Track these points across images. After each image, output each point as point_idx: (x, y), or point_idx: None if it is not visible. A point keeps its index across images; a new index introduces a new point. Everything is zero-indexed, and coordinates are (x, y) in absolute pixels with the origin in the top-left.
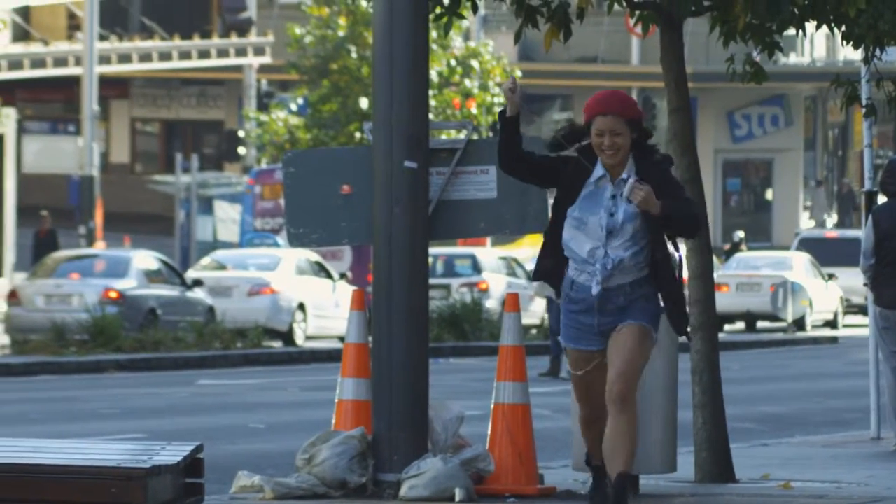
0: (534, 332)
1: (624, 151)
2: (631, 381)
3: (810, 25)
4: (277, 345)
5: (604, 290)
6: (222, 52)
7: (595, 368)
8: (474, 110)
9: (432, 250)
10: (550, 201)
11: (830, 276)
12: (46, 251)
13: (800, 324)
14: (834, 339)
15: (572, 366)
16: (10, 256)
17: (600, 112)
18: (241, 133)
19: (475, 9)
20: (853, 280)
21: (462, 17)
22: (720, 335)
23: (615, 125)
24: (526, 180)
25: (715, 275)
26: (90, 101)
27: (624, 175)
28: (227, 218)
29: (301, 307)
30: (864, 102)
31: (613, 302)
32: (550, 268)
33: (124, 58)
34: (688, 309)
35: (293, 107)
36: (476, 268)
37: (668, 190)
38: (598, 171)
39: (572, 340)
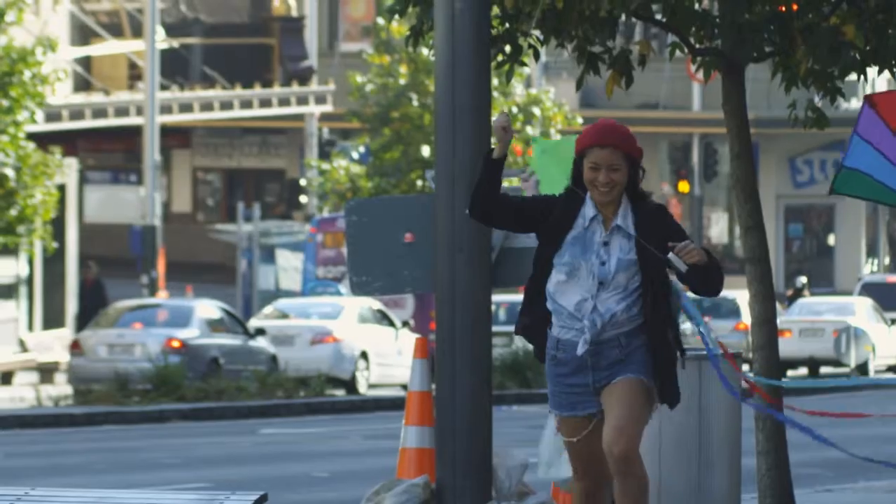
0: None
1: (619, 189)
2: (633, 437)
3: (872, 70)
4: (340, 393)
5: (595, 345)
6: (283, 101)
7: (593, 433)
8: None
9: (495, 297)
10: None
11: (893, 321)
12: (93, 301)
13: (863, 369)
14: None
15: (567, 434)
16: (72, 306)
17: (598, 143)
18: (302, 182)
19: (537, 56)
20: None
21: (524, 64)
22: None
23: (613, 159)
24: (501, 227)
25: (778, 320)
26: (151, 150)
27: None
28: (289, 266)
29: (364, 355)
30: None
31: (607, 356)
32: (529, 325)
33: (185, 107)
34: (751, 355)
35: (354, 155)
36: None
37: (681, 239)
38: (589, 210)
39: (565, 407)
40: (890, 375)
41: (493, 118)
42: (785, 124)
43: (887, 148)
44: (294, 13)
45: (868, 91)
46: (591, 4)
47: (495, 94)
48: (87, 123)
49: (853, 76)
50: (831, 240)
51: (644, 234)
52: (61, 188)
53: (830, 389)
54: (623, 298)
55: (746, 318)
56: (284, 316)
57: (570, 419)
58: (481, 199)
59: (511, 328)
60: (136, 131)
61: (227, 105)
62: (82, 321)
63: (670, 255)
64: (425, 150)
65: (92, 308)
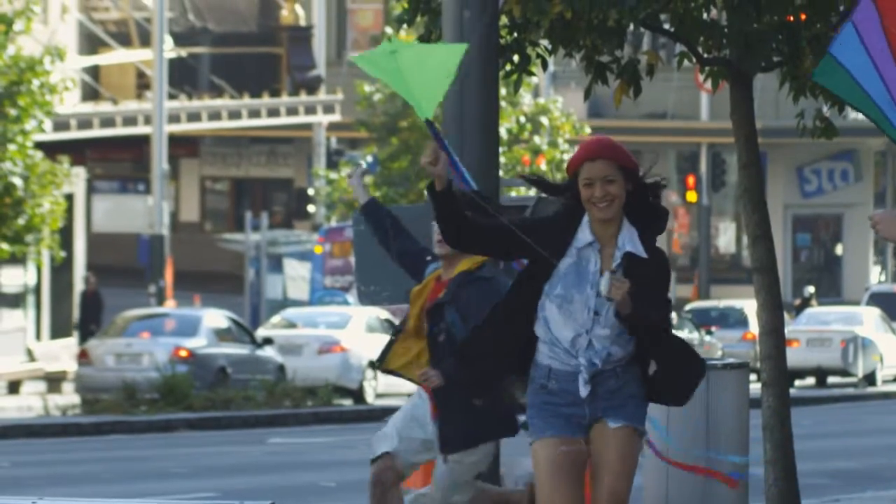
0: None
1: (619, 203)
2: (625, 498)
3: None
4: (348, 403)
5: (591, 379)
6: (291, 111)
7: (577, 452)
8: (544, 167)
9: None
10: None
11: None
12: (91, 312)
13: (870, 379)
14: None
15: (545, 452)
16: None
17: (588, 157)
18: (310, 191)
19: (545, 66)
20: None
21: (532, 73)
22: (791, 391)
23: (607, 170)
24: (484, 253)
25: (785, 330)
26: (160, 159)
27: (617, 260)
28: (296, 276)
29: (371, 365)
30: None
31: (605, 386)
32: (514, 363)
33: (193, 116)
34: (759, 365)
35: (363, 164)
36: None
37: (657, 287)
38: (585, 236)
39: (550, 428)
40: None
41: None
42: (793, 134)
43: (874, 46)
44: (302, 22)
45: None
46: (600, 14)
47: (503, 103)
48: (95, 132)
49: None
50: (839, 249)
51: (639, 263)
52: (69, 197)
53: (836, 399)
54: (619, 335)
55: (754, 327)
56: (292, 325)
57: (551, 440)
58: (447, 231)
59: None
60: (144, 140)
61: (235, 114)
62: (81, 332)
63: (605, 273)
64: None
65: (90, 319)
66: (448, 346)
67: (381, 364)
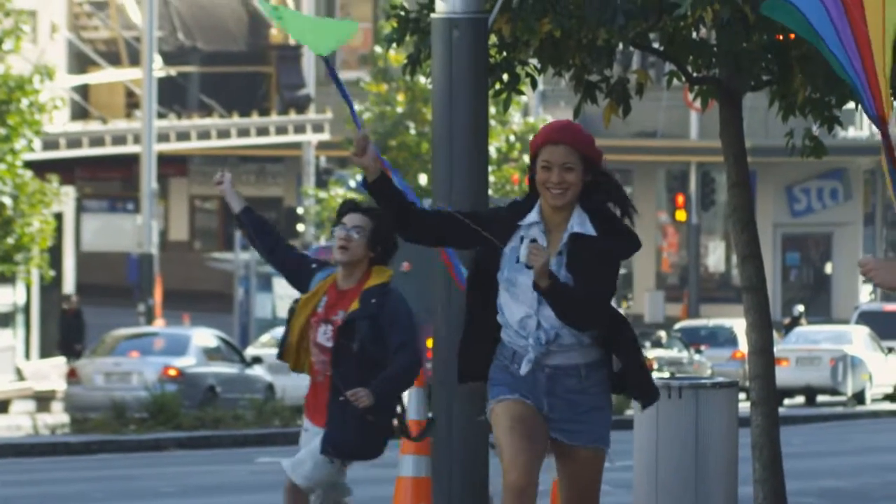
0: None
1: (573, 192)
2: None
3: None
4: None
5: (553, 370)
6: (281, 130)
7: (535, 419)
8: None
9: None
10: None
11: (890, 350)
12: (74, 331)
13: (860, 397)
14: (894, 413)
15: (502, 419)
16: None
17: (551, 141)
18: (299, 210)
19: (534, 84)
20: None
21: (521, 92)
22: (780, 409)
23: (567, 157)
24: (438, 244)
25: (775, 349)
26: (149, 178)
27: (564, 237)
28: (286, 295)
29: None
30: None
31: (564, 385)
32: (480, 363)
33: (183, 135)
34: (748, 384)
35: (352, 183)
36: None
37: (591, 268)
38: (531, 216)
39: (509, 390)
40: (887, 404)
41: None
42: (782, 153)
43: None
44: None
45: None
46: (589, 33)
47: (493, 122)
48: (85, 152)
49: (851, 105)
50: (828, 268)
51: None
52: (58, 216)
53: (825, 418)
54: None
55: (743, 346)
56: None
57: (512, 402)
58: (397, 224)
59: None
60: (133, 159)
61: (224, 133)
62: (63, 351)
63: (526, 240)
64: (422, 179)
65: (73, 339)
66: (360, 361)
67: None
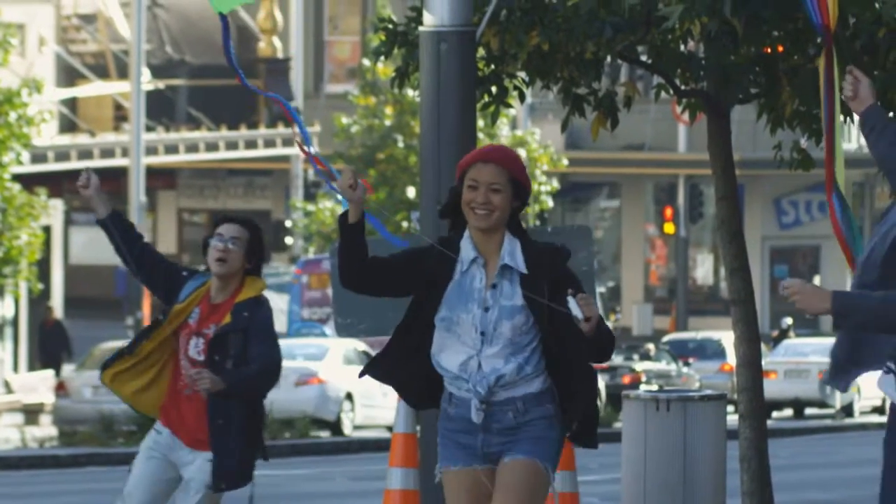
0: None
1: (499, 215)
2: None
3: None
4: (325, 435)
5: (488, 407)
6: (269, 143)
7: (484, 495)
8: None
9: None
10: None
11: None
12: (53, 343)
13: (848, 410)
14: (882, 426)
15: (454, 493)
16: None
17: (480, 159)
18: (288, 223)
19: (522, 97)
20: None
21: (509, 105)
22: (768, 422)
23: (495, 177)
24: (380, 293)
25: (763, 362)
26: (137, 192)
27: (495, 271)
28: (274, 308)
29: (349, 397)
30: None
31: (500, 420)
32: (405, 381)
33: (171, 149)
34: (736, 396)
35: (340, 196)
36: None
37: (576, 288)
38: (468, 252)
39: (450, 459)
40: (875, 417)
41: (340, 178)
42: (770, 165)
43: None
44: (280, 55)
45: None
46: (577, 46)
47: (481, 135)
48: (73, 165)
49: (839, 118)
50: (817, 281)
51: (535, 276)
52: (47, 229)
53: (814, 430)
54: (512, 354)
55: (731, 359)
56: None
57: (454, 473)
58: (348, 267)
59: None
60: (121, 172)
61: (212, 146)
62: (44, 363)
63: (569, 297)
64: (411, 192)
65: (53, 350)
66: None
67: (104, 372)
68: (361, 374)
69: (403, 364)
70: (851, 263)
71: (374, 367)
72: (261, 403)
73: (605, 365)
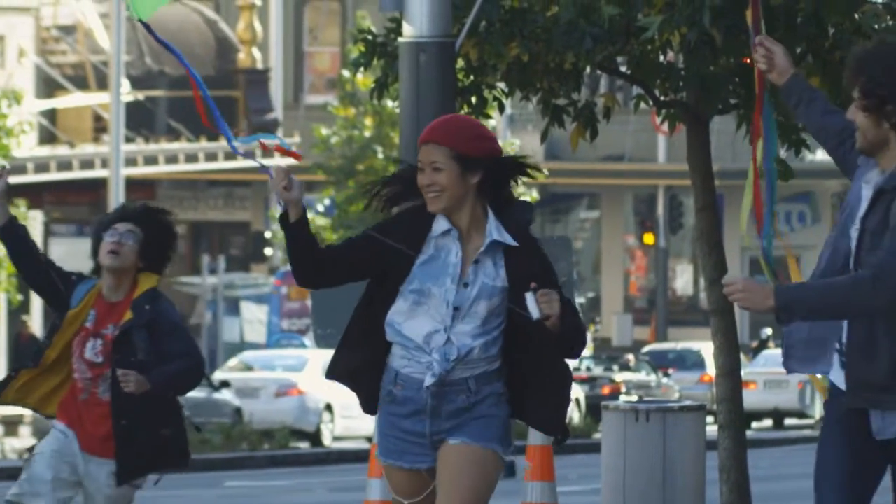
0: None
1: (451, 194)
2: None
3: None
4: (305, 446)
5: (438, 389)
6: (249, 154)
7: (427, 498)
8: None
9: None
10: None
11: None
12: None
13: None
14: None
15: (395, 490)
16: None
17: (421, 141)
18: (267, 234)
19: (501, 108)
20: None
21: (488, 116)
22: (748, 433)
23: (434, 156)
24: (340, 283)
25: (742, 372)
26: (116, 203)
27: (482, 248)
28: (253, 319)
29: (328, 408)
30: None
31: (452, 402)
32: (356, 369)
33: (150, 160)
34: (715, 407)
35: (320, 207)
36: None
37: (548, 283)
38: (441, 224)
39: (393, 454)
40: None
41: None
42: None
43: None
44: (259, 66)
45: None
46: (556, 57)
47: None
48: (52, 176)
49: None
50: None
51: (524, 252)
52: None
53: (793, 441)
54: (481, 334)
55: (711, 369)
56: (249, 368)
57: (397, 471)
58: (302, 266)
59: None
60: (101, 184)
61: (192, 157)
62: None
63: (528, 293)
64: None
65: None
66: (143, 373)
67: (2, 393)
68: (327, 376)
69: (360, 348)
70: (760, 220)
71: (334, 364)
72: (176, 400)
73: (584, 375)
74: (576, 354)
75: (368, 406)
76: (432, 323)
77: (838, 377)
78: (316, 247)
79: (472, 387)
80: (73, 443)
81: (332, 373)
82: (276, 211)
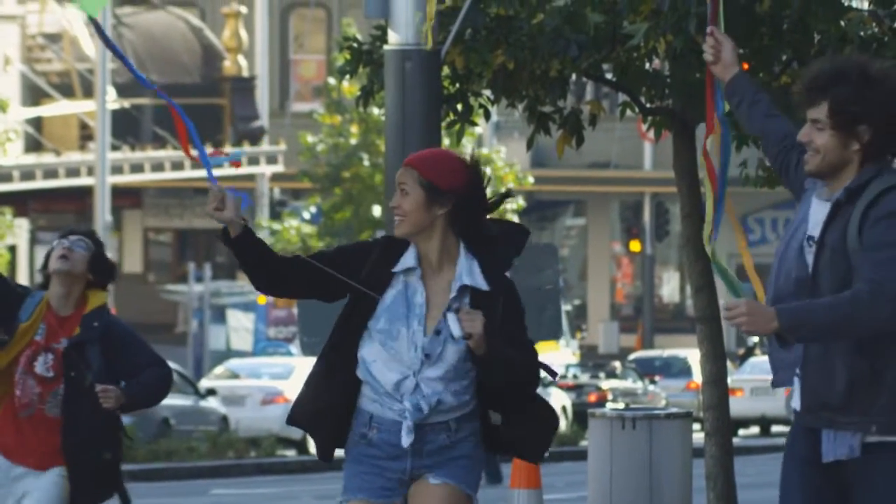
0: None
1: (411, 221)
2: None
3: None
4: (291, 454)
5: (419, 427)
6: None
7: None
8: None
9: None
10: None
11: None
12: None
13: None
14: None
15: None
16: None
17: (403, 163)
18: None
19: (487, 116)
20: None
21: (474, 124)
22: (734, 440)
23: (402, 178)
24: (303, 296)
25: (729, 379)
26: (102, 211)
27: (453, 293)
28: (240, 327)
29: None
30: None
31: (433, 441)
32: (322, 407)
33: (136, 167)
34: (702, 414)
35: (306, 215)
36: None
37: (512, 325)
38: (408, 260)
39: (364, 491)
40: None
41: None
42: (736, 183)
43: None
44: (245, 73)
45: None
46: (542, 64)
47: None
48: (38, 184)
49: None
50: None
51: (493, 296)
52: (12, 249)
53: (780, 448)
54: (453, 380)
55: (698, 377)
56: (235, 376)
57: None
58: (256, 279)
59: None
60: (87, 192)
61: (178, 165)
62: None
63: (449, 313)
64: (376, 210)
65: None
66: (94, 396)
67: None
68: (288, 421)
69: (326, 390)
70: (714, 189)
71: (298, 405)
72: (119, 425)
73: (571, 383)
74: (516, 388)
75: (326, 453)
76: (400, 368)
77: (797, 399)
78: (268, 257)
79: (452, 426)
80: (7, 470)
81: (292, 417)
82: (263, 220)
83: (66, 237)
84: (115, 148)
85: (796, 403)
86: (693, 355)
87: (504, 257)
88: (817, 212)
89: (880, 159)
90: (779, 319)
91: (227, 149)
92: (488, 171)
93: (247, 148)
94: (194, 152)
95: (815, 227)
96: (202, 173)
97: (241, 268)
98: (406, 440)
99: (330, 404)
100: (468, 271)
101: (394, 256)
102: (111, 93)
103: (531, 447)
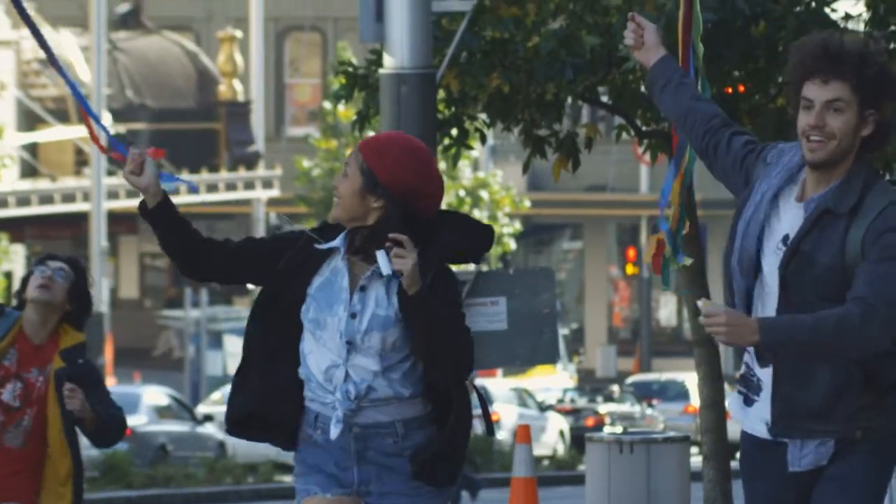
0: (545, 463)
1: (346, 206)
2: None
3: None
4: (289, 479)
5: (363, 429)
6: (230, 186)
7: None
8: None
9: None
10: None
11: None
12: None
13: None
14: None
15: None
16: None
17: None
18: None
19: (483, 139)
20: None
21: (470, 147)
22: (733, 463)
23: (349, 160)
24: (229, 281)
25: (726, 402)
26: (98, 236)
27: (386, 250)
28: (236, 352)
29: None
30: None
31: (378, 447)
32: (270, 391)
33: (132, 193)
34: (700, 437)
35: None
36: (487, 399)
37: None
38: (336, 241)
39: (323, 485)
40: None
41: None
42: (732, 206)
43: None
44: (240, 98)
45: None
46: (538, 88)
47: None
48: (34, 210)
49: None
50: None
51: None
52: (8, 275)
53: None
54: (385, 371)
55: (695, 400)
56: None
57: (327, 500)
58: (177, 258)
59: None
60: (83, 217)
61: (173, 190)
62: None
63: (379, 251)
64: None
65: None
66: (70, 429)
67: None
68: (228, 432)
69: (266, 378)
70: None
71: (237, 406)
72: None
73: (568, 407)
74: (435, 346)
75: (289, 444)
76: (329, 356)
77: (751, 417)
78: (188, 234)
79: (399, 430)
80: None
81: (228, 424)
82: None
83: (45, 263)
84: (110, 173)
85: (758, 419)
86: (691, 379)
87: (448, 243)
88: (788, 211)
89: (866, 157)
90: (761, 334)
91: (223, 174)
92: (485, 195)
93: (242, 173)
94: (102, 139)
95: (790, 227)
96: (198, 198)
97: (160, 246)
98: (334, 431)
99: (278, 388)
100: (382, 254)
101: (325, 239)
102: (107, 118)
103: (451, 467)
